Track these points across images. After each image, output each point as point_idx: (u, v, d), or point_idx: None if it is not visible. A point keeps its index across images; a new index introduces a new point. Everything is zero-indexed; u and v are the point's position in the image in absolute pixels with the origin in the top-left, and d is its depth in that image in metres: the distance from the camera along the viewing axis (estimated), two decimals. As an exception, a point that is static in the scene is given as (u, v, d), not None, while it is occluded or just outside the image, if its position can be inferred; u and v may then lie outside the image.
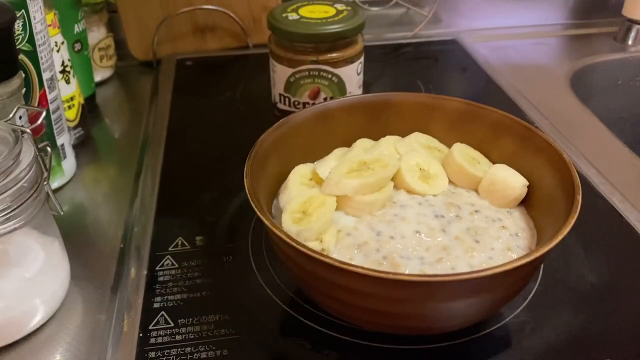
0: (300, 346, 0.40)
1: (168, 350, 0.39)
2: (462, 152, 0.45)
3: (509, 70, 0.79)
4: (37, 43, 0.50)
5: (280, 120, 0.46)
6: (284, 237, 0.35)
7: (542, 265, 0.45)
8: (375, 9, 0.90)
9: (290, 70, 0.59)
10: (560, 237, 0.34)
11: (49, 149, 0.42)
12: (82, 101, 0.63)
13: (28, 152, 0.40)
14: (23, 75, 0.48)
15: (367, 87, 0.65)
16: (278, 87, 0.62)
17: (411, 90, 0.73)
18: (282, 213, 0.41)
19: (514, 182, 0.42)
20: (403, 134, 0.48)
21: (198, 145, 0.63)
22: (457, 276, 0.33)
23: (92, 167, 0.61)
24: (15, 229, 0.39)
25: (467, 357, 0.39)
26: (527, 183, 0.43)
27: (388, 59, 0.83)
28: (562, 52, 0.87)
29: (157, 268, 0.46)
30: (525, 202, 0.43)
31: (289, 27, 0.57)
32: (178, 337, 0.40)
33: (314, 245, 0.39)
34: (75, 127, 0.62)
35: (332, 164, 0.46)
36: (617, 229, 0.50)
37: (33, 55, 0.50)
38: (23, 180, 0.38)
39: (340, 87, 0.60)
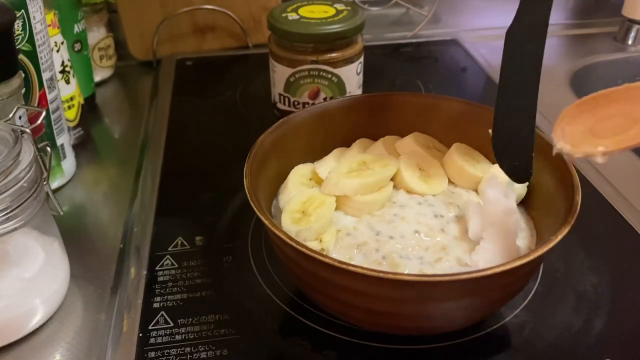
0: (300, 346, 0.40)
1: (168, 350, 0.39)
2: (462, 152, 0.45)
3: (509, 70, 0.78)
4: (37, 43, 0.50)
5: (280, 120, 0.46)
6: (283, 237, 0.35)
7: (542, 265, 0.45)
8: (375, 9, 0.90)
9: (290, 70, 0.59)
10: (559, 237, 0.34)
11: (48, 149, 0.42)
12: (81, 101, 0.63)
13: (28, 152, 0.40)
14: (23, 75, 0.48)
15: (367, 87, 0.65)
16: (278, 87, 0.62)
17: (411, 90, 0.73)
18: (281, 213, 0.41)
19: (513, 182, 0.42)
20: (403, 134, 0.48)
21: (198, 146, 0.63)
22: (456, 276, 0.33)
23: (92, 167, 0.61)
24: (15, 229, 0.39)
25: (467, 357, 0.39)
26: (527, 183, 0.43)
27: (388, 59, 0.83)
28: (562, 52, 0.87)
29: (156, 268, 0.46)
30: (525, 202, 0.43)
31: (289, 27, 0.57)
32: (178, 337, 0.40)
33: (313, 245, 0.39)
34: (75, 127, 0.62)
35: (332, 164, 0.46)
36: (617, 229, 0.50)
37: (33, 55, 0.50)
38: (23, 180, 0.38)
39: (340, 87, 0.60)
